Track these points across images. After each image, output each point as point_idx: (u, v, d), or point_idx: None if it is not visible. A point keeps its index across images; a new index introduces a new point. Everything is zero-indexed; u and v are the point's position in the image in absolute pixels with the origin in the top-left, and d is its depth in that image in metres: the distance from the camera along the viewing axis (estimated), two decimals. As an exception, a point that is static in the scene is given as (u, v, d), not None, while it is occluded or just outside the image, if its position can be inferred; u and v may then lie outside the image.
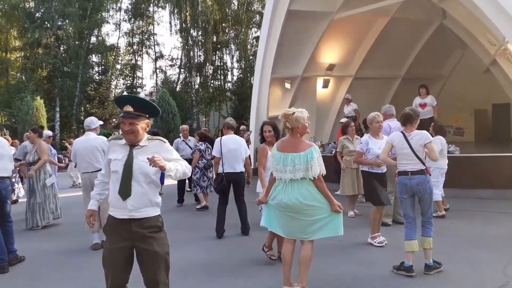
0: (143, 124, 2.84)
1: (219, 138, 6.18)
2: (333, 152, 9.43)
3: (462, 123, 16.50)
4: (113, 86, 35.03)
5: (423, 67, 15.66)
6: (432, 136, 6.31)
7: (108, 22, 34.17)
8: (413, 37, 14.88)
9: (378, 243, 5.25)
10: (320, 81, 14.82)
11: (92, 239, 5.66)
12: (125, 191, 2.76)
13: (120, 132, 3.05)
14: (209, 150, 8.14)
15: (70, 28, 29.83)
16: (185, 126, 9.97)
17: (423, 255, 4.28)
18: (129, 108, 2.79)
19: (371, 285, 4.03)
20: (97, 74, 34.14)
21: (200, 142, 8.39)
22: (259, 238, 5.34)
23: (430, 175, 4.38)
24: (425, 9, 13.53)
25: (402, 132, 4.44)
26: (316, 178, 3.57)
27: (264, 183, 4.62)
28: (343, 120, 9.07)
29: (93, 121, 5.86)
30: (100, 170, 5.41)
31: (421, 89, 10.07)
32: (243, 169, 6.08)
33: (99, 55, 33.78)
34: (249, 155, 6.22)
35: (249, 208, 6.11)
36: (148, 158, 2.60)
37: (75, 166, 6.82)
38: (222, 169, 5.99)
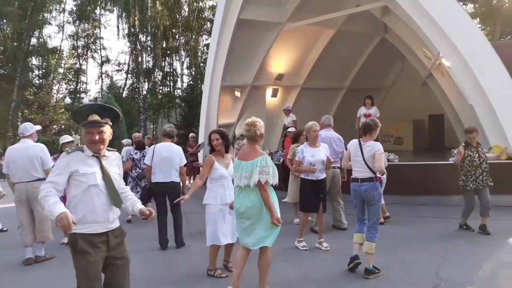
0: (108, 132, 2.84)
1: (153, 145, 5.99)
2: (281, 160, 9.56)
3: (401, 132, 17.41)
4: (54, 91, 33.37)
5: (367, 78, 16.38)
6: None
7: (50, 24, 32.61)
8: (358, 50, 15.55)
9: (302, 246, 5.52)
10: (269, 90, 15.03)
11: (25, 254, 5.29)
12: (118, 200, 2.81)
13: (77, 143, 2.89)
14: (144, 159, 7.97)
15: (8, 28, 28.09)
16: (138, 134, 9.77)
17: (366, 259, 4.45)
18: (95, 117, 2.75)
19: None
20: (37, 78, 32.34)
21: (136, 151, 8.17)
22: (203, 248, 5.26)
23: (380, 182, 4.57)
24: (368, 23, 14.19)
25: (359, 140, 4.64)
26: (256, 186, 3.66)
27: (191, 191, 4.44)
28: (291, 129, 9.25)
29: (27, 128, 5.46)
30: (39, 179, 5.13)
31: (367, 100, 10.49)
32: (177, 179, 5.77)
33: (40, 58, 32.06)
34: (185, 164, 5.94)
35: (195, 218, 6.02)
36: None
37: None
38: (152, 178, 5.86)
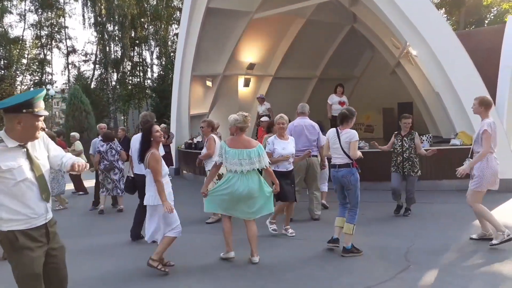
0: None
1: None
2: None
3: (372, 120, 17.75)
4: (18, 82, 32.04)
5: (337, 68, 16.56)
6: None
7: (11, 12, 31.19)
8: (328, 39, 15.65)
9: (272, 230, 5.64)
10: (241, 80, 14.95)
11: None
12: (48, 195, 2.64)
13: None
14: (112, 151, 7.80)
15: (-35, 17, 26.70)
16: (103, 125, 9.44)
17: (344, 239, 4.74)
18: (42, 104, 2.58)
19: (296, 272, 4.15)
20: (-1, 68, 30.96)
21: (102, 143, 7.91)
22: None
23: (357, 168, 4.77)
24: (337, 12, 14.29)
25: (336, 128, 4.87)
26: (267, 167, 4.60)
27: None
28: (263, 119, 9.23)
29: None
30: None
31: (339, 88, 10.41)
32: None
33: (1, 48, 30.67)
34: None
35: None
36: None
37: None
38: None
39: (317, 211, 6.48)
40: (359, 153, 4.74)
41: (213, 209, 4.85)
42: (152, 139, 4.36)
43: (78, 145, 10.47)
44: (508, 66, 9.72)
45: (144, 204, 4.46)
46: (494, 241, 4.66)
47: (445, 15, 25.71)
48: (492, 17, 27.54)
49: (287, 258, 4.75)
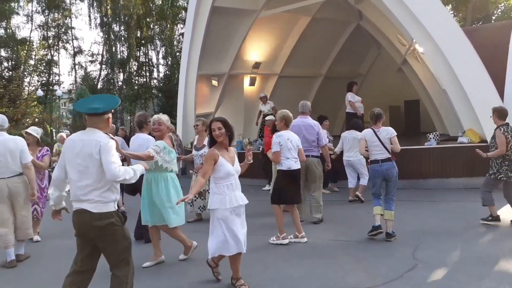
0: None
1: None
2: (260, 149, 9.56)
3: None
4: (26, 83, 32.30)
5: (343, 66, 16.48)
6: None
7: (18, 13, 31.43)
8: (333, 37, 15.58)
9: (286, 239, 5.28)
10: (247, 79, 14.94)
11: (7, 256, 4.92)
12: None
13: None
14: None
15: (-27, 19, 26.98)
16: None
17: (386, 225, 5.13)
18: None
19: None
20: (6, 70, 31.22)
21: None
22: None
23: (396, 160, 5.28)
24: (343, 10, 14.22)
25: (372, 128, 5.37)
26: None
27: (194, 191, 3.82)
28: (269, 117, 9.20)
29: (5, 120, 5.10)
30: (20, 174, 4.95)
31: (355, 86, 10.30)
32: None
33: (9, 49, 30.93)
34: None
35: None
36: None
37: None
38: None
39: (316, 214, 6.19)
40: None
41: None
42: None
43: None
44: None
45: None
46: None
47: (452, 12, 25.48)
48: (500, 13, 27.27)
49: (292, 257, 4.74)
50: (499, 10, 27.54)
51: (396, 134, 5.32)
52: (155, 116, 4.70)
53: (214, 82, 13.93)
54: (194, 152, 6.73)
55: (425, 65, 11.91)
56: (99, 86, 32.49)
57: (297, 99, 16.03)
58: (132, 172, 3.11)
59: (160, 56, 35.26)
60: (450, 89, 9.16)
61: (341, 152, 7.89)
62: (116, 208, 3.13)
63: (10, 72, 30.98)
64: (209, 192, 6.42)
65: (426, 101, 14.54)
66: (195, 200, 6.64)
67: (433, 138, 9.22)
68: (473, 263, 4.28)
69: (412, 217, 6.33)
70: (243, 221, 3.87)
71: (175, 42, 34.17)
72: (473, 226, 5.64)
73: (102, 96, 3.36)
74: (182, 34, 31.94)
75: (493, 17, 27.04)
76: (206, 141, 6.61)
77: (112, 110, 3.20)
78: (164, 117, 4.74)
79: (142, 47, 34.65)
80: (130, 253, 3.16)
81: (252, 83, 14.98)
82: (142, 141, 5.25)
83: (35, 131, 6.07)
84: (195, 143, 6.88)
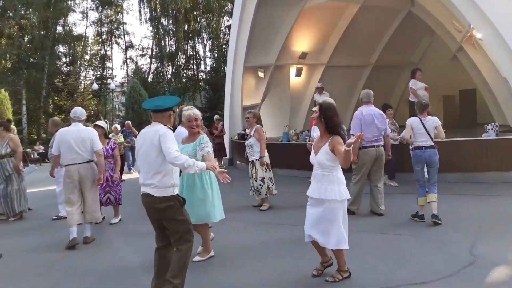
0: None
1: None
2: (307, 140, 9.49)
3: (431, 109, 16.83)
4: (82, 77, 34.09)
5: (393, 54, 15.91)
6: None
7: (74, 11, 33.13)
8: (383, 25, 15.07)
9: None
10: (293, 70, 14.85)
11: (69, 234, 5.34)
12: None
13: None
14: None
15: (34, 17, 28.71)
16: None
17: (431, 207, 5.38)
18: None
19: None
20: (64, 65, 33.08)
21: None
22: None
23: (438, 149, 5.54)
24: (394, -4, 13.71)
25: (418, 117, 5.65)
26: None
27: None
28: (315, 108, 9.10)
29: (83, 112, 5.71)
30: (90, 161, 5.47)
31: (419, 72, 9.86)
32: None
33: (66, 45, 32.73)
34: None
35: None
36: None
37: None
38: None
39: (382, 205, 6.12)
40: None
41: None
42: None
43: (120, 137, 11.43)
44: None
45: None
46: None
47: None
48: None
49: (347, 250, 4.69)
50: None
51: (440, 123, 5.65)
52: (190, 112, 4.48)
53: (261, 74, 13.97)
54: (246, 142, 7.10)
55: (483, 52, 11.22)
56: (149, 79, 33.59)
57: (345, 89, 15.88)
58: (191, 162, 3.43)
59: (207, 49, 35.86)
60: (511, 77, 8.58)
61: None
62: (176, 193, 3.52)
63: (68, 67, 32.80)
64: (255, 180, 6.68)
65: (483, 90, 13.72)
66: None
67: (492, 129, 8.69)
68: (536, 261, 4.03)
69: (468, 211, 6.05)
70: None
71: (221, 35, 34.57)
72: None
73: (165, 96, 3.99)
74: (228, 27, 32.24)
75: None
76: (253, 132, 6.87)
77: (173, 108, 3.71)
78: (198, 111, 4.63)
79: (189, 41, 35.36)
80: (190, 233, 3.56)
81: (298, 73, 14.87)
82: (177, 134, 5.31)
83: (104, 124, 6.64)
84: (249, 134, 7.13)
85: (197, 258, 4.54)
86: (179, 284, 3.42)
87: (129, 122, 12.90)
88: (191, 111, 4.49)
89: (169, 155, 3.36)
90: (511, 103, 10.28)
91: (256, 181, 6.80)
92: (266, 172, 6.84)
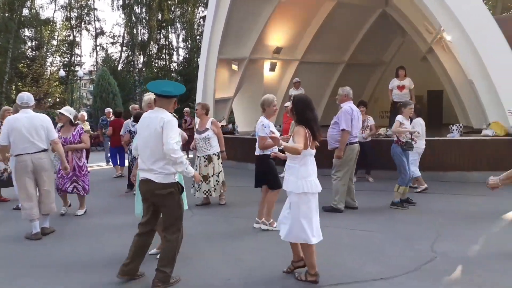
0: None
1: None
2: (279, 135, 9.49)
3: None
4: (48, 63, 32.84)
5: (366, 53, 16.15)
6: (414, 118, 6.97)
7: (42, -7, 31.71)
8: (357, 23, 15.25)
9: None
10: (267, 64, 14.81)
11: (32, 228, 5.15)
12: None
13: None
14: None
15: (-2, -2, 27.37)
16: (136, 105, 9.64)
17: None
18: None
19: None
20: (30, 49, 31.74)
21: (133, 123, 7.95)
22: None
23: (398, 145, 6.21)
24: (369, -5, 13.88)
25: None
26: None
27: None
28: (288, 104, 9.11)
29: (31, 97, 5.24)
30: (44, 150, 5.16)
31: (400, 71, 9.79)
32: None
33: (32, 29, 31.40)
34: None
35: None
36: None
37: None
38: None
39: (355, 200, 6.38)
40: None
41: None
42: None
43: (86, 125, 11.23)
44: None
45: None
46: None
47: None
48: (532, 2, 26.18)
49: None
50: (532, -2, 26.43)
51: (396, 121, 6.29)
52: (151, 97, 4.48)
53: (234, 67, 13.85)
54: (196, 135, 6.79)
55: (451, 55, 11.55)
56: (119, 68, 32.76)
57: (318, 85, 15.96)
58: (185, 162, 3.45)
59: (180, 39, 35.31)
60: (477, 80, 8.88)
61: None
62: (176, 180, 3.56)
63: (34, 52, 31.50)
64: (212, 176, 6.53)
65: (450, 91, 14.14)
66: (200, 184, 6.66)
67: (456, 129, 8.98)
68: (495, 258, 4.17)
69: (431, 209, 6.22)
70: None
71: (195, 26, 34.10)
72: (495, 220, 5.51)
73: (173, 82, 3.84)
74: (203, 18, 31.83)
75: (525, 6, 26.00)
76: (208, 124, 6.64)
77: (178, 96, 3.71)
78: None
79: (162, 30, 34.69)
80: (181, 221, 3.63)
81: (272, 68, 14.85)
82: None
83: (68, 111, 6.27)
84: (196, 127, 6.92)
85: (154, 251, 4.39)
86: (170, 272, 3.53)
87: (110, 110, 12.24)
88: (152, 95, 4.18)
89: (168, 145, 3.33)
90: (475, 105, 10.63)
91: (213, 176, 6.58)
92: (221, 166, 6.72)
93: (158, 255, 4.29)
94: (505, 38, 8.40)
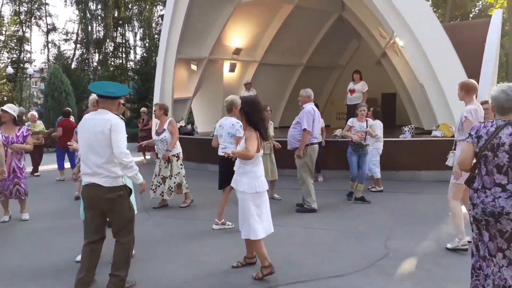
0: None
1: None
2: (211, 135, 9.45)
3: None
4: (-5, 59, 31.02)
5: (323, 56, 16.48)
6: (372, 120, 7.15)
7: (-12, -14, 29.95)
8: (315, 27, 15.53)
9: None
10: (227, 65, 14.76)
11: None
12: None
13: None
14: None
15: None
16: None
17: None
18: None
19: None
20: (-26, 44, 29.86)
21: None
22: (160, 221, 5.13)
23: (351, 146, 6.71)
24: (326, 0, 14.17)
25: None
26: None
27: None
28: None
29: None
30: None
31: (355, 75, 10.12)
32: None
33: (-23, 23, 29.54)
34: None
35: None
36: None
37: None
38: None
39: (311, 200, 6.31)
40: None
41: None
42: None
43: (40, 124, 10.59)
44: (490, 60, 9.85)
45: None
46: (448, 245, 4.44)
47: (432, 7, 25.81)
48: (477, 11, 27.86)
49: (268, 245, 4.74)
50: (477, 8, 28.13)
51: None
52: (96, 96, 4.09)
53: (193, 67, 13.70)
54: (155, 137, 6.67)
55: (403, 59, 12.04)
56: (73, 66, 31.51)
57: (277, 87, 16.08)
58: (135, 167, 3.38)
59: (138, 37, 34.53)
60: (427, 84, 9.30)
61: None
62: (124, 183, 3.45)
63: (-21, 47, 29.64)
64: (169, 178, 6.41)
65: (402, 94, 14.73)
66: (158, 186, 6.54)
67: (408, 131, 9.38)
68: (444, 253, 4.38)
69: (384, 207, 6.44)
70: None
71: (153, 24, 33.45)
72: (444, 218, 5.79)
73: (116, 83, 3.75)
74: (161, 16, 31.27)
75: (471, 15, 27.62)
76: (166, 125, 6.51)
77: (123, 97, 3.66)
78: None
79: (119, 28, 33.73)
80: (133, 224, 3.55)
81: (232, 69, 14.82)
82: None
83: (11, 109, 5.85)
84: (156, 127, 6.79)
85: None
86: (125, 276, 3.45)
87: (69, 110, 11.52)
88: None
89: (119, 148, 3.26)
90: (426, 107, 11.13)
91: (171, 178, 6.44)
92: (181, 169, 6.57)
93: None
94: (452, 44, 8.86)
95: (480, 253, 2.85)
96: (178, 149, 6.58)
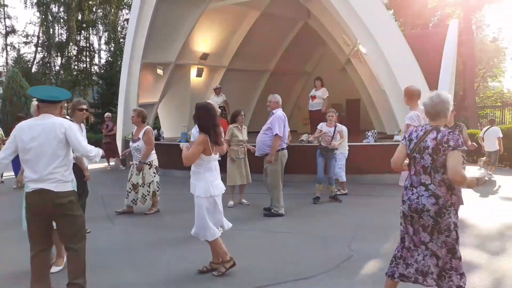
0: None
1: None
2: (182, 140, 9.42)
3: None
4: None
5: (290, 62, 16.69)
6: (341, 125, 7.39)
7: None
8: (281, 34, 15.73)
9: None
10: (194, 70, 14.67)
11: None
12: None
13: None
14: None
15: None
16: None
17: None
18: None
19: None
20: None
21: None
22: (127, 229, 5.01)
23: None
24: (292, 7, 14.39)
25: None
26: None
27: None
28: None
29: None
30: None
31: (316, 82, 10.37)
32: None
33: None
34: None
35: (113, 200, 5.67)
36: None
37: None
38: None
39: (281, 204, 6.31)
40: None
41: None
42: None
43: None
44: (447, 69, 10.29)
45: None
46: None
47: (393, 16, 26.70)
48: (436, 21, 29.06)
49: (231, 250, 4.73)
50: (436, 18, 29.36)
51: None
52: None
53: (159, 71, 13.53)
54: (130, 143, 6.58)
55: (367, 66, 12.39)
56: (33, 70, 30.37)
57: (244, 92, 16.11)
58: (96, 151, 3.52)
59: (103, 41, 33.67)
60: (388, 90, 9.61)
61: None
62: (73, 188, 3.43)
63: None
64: (142, 186, 6.30)
65: (366, 100, 15.14)
66: (130, 192, 6.43)
67: (371, 135, 9.64)
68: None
69: (349, 210, 6.58)
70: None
71: (119, 28, 32.77)
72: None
73: (56, 87, 3.73)
74: (126, 20, 30.71)
75: (430, 24, 28.78)
76: (141, 134, 6.38)
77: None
78: None
79: (83, 31, 32.83)
80: (84, 229, 3.51)
81: (199, 74, 14.75)
82: None
83: None
84: (132, 134, 6.70)
85: (54, 269, 4.02)
86: (84, 283, 3.37)
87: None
88: None
89: (82, 148, 3.35)
90: (388, 113, 11.48)
91: (143, 187, 6.35)
92: (155, 176, 6.47)
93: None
94: (412, 52, 9.21)
95: (405, 244, 3.09)
96: (151, 157, 6.45)
